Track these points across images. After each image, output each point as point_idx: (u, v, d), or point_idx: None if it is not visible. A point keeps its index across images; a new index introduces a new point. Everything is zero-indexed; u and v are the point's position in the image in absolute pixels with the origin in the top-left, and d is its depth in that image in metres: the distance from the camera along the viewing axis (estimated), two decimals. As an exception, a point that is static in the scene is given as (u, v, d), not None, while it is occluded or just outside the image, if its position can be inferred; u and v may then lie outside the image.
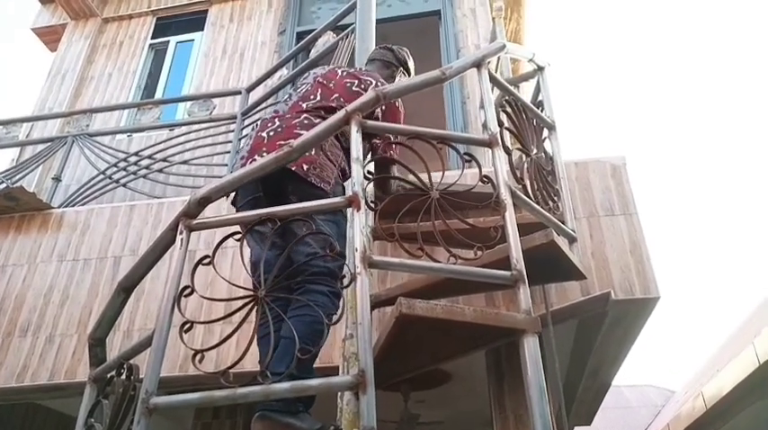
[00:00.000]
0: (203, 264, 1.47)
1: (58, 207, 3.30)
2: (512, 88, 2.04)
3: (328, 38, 3.25)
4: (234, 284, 1.47)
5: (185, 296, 1.45)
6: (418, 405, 4.25)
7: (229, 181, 1.58)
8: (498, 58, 3.07)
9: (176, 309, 1.43)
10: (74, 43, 5.21)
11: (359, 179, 1.51)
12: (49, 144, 3.81)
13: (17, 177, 3.70)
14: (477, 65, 1.87)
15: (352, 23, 2.99)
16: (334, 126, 1.62)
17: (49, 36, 5.59)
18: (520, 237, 1.57)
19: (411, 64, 2.50)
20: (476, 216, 1.86)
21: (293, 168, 1.78)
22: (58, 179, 3.59)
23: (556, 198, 2.07)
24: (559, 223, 1.96)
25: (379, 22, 3.06)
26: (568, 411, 4.51)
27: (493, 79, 1.92)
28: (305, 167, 1.82)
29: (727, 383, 4.17)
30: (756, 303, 4.59)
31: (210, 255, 1.47)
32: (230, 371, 1.29)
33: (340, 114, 1.62)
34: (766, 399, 4.20)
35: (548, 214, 1.88)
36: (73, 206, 3.41)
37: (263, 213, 1.52)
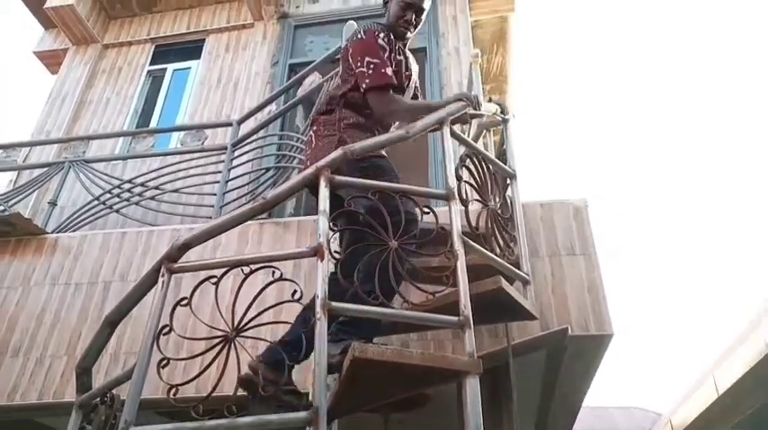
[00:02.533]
0: (181, 306, 1.65)
1: (53, 232, 3.47)
2: (473, 143, 2.23)
3: (315, 78, 3.45)
4: (209, 325, 1.63)
5: (164, 334, 1.62)
6: (398, 426, 4.39)
7: (207, 229, 1.76)
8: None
9: (155, 346, 1.60)
10: (74, 68, 5.41)
11: (324, 230, 1.69)
12: (46, 169, 3.99)
13: (13, 200, 3.86)
14: (440, 123, 2.06)
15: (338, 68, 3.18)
16: (305, 181, 1.80)
17: (51, 59, 5.80)
18: (479, 276, 1.75)
19: None
20: (437, 251, 2.04)
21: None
22: (54, 203, 3.75)
23: (512, 244, 2.25)
24: (513, 268, 2.14)
25: None
26: (543, 434, 4.68)
27: (455, 135, 2.11)
28: (309, 165, 1.99)
29: (692, 413, 4.34)
30: (725, 333, 4.77)
31: (188, 296, 1.65)
32: (212, 395, 1.46)
33: (310, 170, 1.80)
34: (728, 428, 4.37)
35: (500, 260, 2.06)
36: (66, 231, 3.58)
37: (233, 261, 1.70)
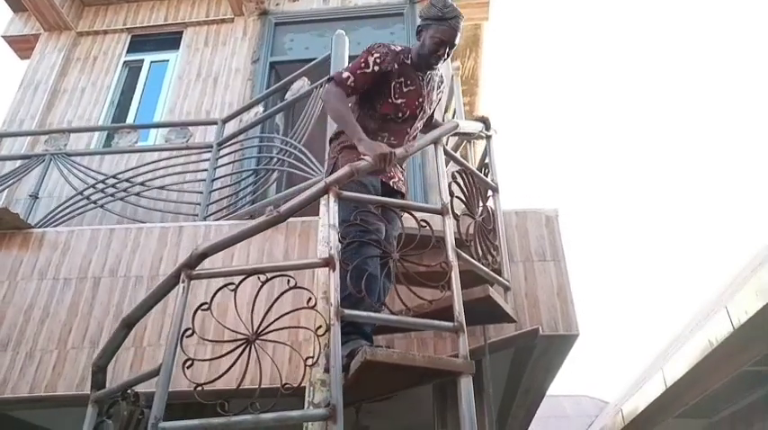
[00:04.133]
0: (202, 310, 1.79)
1: (38, 226, 3.48)
2: (463, 160, 2.43)
3: (303, 83, 3.56)
4: (230, 329, 1.78)
5: (187, 337, 1.76)
6: (368, 416, 4.60)
7: (224, 240, 1.90)
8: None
9: (179, 348, 1.73)
10: (47, 55, 5.31)
11: (335, 243, 1.85)
12: (25, 161, 3.97)
13: (-8, 192, 3.84)
14: (435, 143, 2.25)
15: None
16: (316, 195, 1.96)
17: (21, 44, 5.66)
18: (465, 281, 1.95)
19: (430, 11, 2.47)
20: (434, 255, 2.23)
21: None
22: (35, 196, 3.76)
23: (494, 252, 2.47)
24: (496, 276, 2.36)
25: (348, 58, 3.39)
26: (504, 423, 4.99)
27: (447, 153, 2.31)
28: None
29: (642, 402, 4.73)
30: (672, 332, 5.20)
31: (208, 302, 1.79)
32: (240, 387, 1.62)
33: (320, 186, 1.96)
34: (675, 418, 4.78)
35: (487, 269, 2.28)
36: (48, 225, 3.60)
37: (249, 269, 1.85)
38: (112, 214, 3.81)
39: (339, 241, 1.87)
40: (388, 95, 2.42)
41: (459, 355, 1.82)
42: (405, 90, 2.45)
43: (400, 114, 2.46)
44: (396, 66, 2.43)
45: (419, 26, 2.52)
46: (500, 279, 2.40)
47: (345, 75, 2.39)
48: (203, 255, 1.86)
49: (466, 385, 1.77)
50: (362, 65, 2.40)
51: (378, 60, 2.42)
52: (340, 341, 1.67)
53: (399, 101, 2.44)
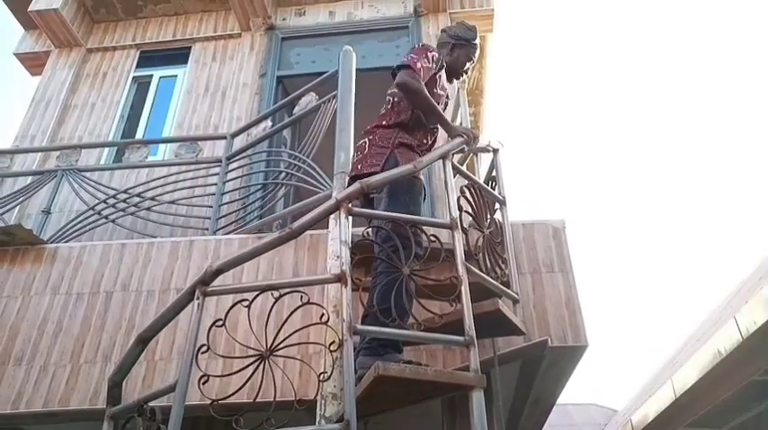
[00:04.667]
0: (216, 327, 1.82)
1: (51, 242, 3.53)
2: (471, 174, 2.46)
3: (311, 98, 3.61)
4: (243, 345, 1.81)
5: (202, 353, 1.79)
6: (377, 427, 4.61)
7: (238, 257, 1.93)
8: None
9: (195, 364, 1.76)
10: (57, 71, 5.40)
11: (347, 259, 1.88)
12: (38, 176, 4.03)
13: (2, 208, 3.89)
14: (443, 157, 2.29)
15: (335, 92, 3.35)
16: (327, 212, 1.99)
17: (32, 61, 5.75)
18: (474, 294, 1.98)
19: (466, 33, 2.83)
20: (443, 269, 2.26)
21: (354, 173, 2.44)
22: (48, 212, 3.81)
23: (503, 265, 2.49)
24: (505, 289, 2.38)
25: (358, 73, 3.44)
26: (513, 434, 4.98)
27: (455, 168, 2.34)
28: (359, 167, 2.44)
29: (651, 411, 4.72)
30: (681, 341, 5.18)
31: (223, 318, 1.82)
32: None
33: (331, 202, 2.00)
34: (684, 427, 4.76)
35: (495, 282, 2.30)
36: (61, 240, 3.65)
37: (263, 286, 1.88)
38: (123, 229, 3.86)
39: (375, 242, 2.04)
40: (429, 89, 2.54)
41: (471, 369, 1.84)
42: (440, 92, 2.63)
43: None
44: (439, 71, 2.63)
45: (455, 42, 2.80)
46: (509, 292, 2.43)
47: (419, 65, 2.49)
48: (218, 272, 1.89)
49: (478, 399, 1.79)
50: (426, 60, 2.55)
51: (435, 59, 2.61)
52: (353, 355, 1.70)
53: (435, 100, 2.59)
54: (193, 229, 3.85)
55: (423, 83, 2.48)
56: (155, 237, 3.56)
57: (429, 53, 2.59)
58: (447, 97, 2.84)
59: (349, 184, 2.47)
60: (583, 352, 2.97)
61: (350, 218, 1.98)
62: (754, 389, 4.17)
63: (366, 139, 2.54)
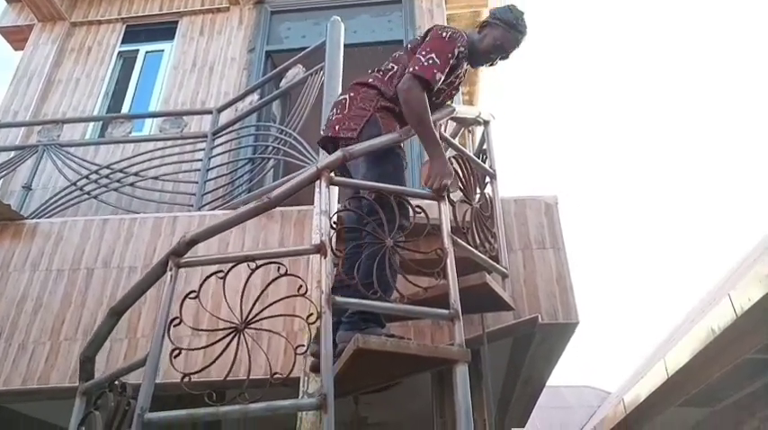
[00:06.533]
0: (190, 298, 1.75)
1: (31, 217, 3.44)
2: (460, 145, 2.37)
3: (298, 70, 3.50)
4: (219, 318, 1.73)
5: (174, 326, 1.71)
6: (366, 407, 4.58)
7: (214, 227, 1.85)
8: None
9: (167, 337, 1.69)
10: (41, 46, 5.25)
11: (326, 229, 1.80)
12: (18, 151, 3.92)
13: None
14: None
15: (322, 63, 3.25)
16: (307, 181, 1.91)
17: (15, 35, 5.60)
18: (463, 269, 1.90)
19: (505, 14, 2.41)
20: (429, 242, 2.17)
21: (330, 134, 2.25)
22: (28, 188, 3.71)
23: (492, 239, 2.41)
24: (494, 263, 2.31)
25: (345, 46, 3.33)
26: (505, 413, 4.96)
27: (444, 139, 2.25)
28: (336, 128, 2.24)
29: (643, 391, 4.69)
30: (674, 321, 5.14)
31: (197, 290, 1.74)
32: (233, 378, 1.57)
33: (311, 170, 1.91)
34: (677, 406, 4.74)
35: (483, 256, 2.22)
36: (42, 216, 3.56)
37: (240, 257, 1.80)
38: (108, 205, 3.77)
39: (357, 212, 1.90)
40: (444, 81, 2.28)
41: (455, 343, 1.77)
42: (454, 79, 2.37)
43: (442, 98, 2.40)
44: (461, 58, 2.32)
45: (486, 21, 2.44)
46: (498, 266, 2.35)
47: (438, 76, 2.18)
48: (192, 242, 1.81)
49: (461, 373, 1.72)
50: (450, 57, 2.23)
51: (460, 51, 2.28)
52: (331, 328, 1.63)
53: (449, 88, 2.38)
54: (179, 206, 3.77)
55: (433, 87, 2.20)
56: (138, 214, 3.46)
57: (457, 48, 2.25)
58: (459, 84, 2.47)
59: (325, 144, 2.33)
60: (573, 329, 2.91)
61: (331, 187, 1.89)
62: (748, 367, 4.14)
63: (347, 96, 2.32)
